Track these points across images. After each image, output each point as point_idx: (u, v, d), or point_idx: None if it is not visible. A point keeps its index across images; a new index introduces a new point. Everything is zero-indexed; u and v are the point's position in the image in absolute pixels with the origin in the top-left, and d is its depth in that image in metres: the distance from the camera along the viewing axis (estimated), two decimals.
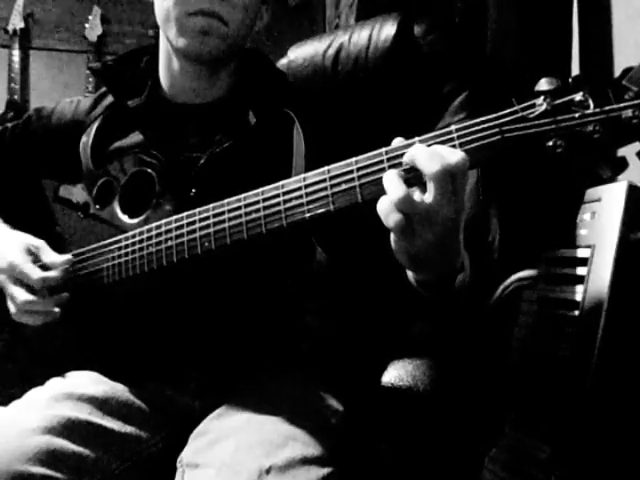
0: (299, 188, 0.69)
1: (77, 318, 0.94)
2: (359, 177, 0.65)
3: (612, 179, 0.61)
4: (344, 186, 0.66)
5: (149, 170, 0.90)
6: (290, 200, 0.69)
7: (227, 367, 0.87)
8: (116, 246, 0.87)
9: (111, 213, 0.93)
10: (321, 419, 0.81)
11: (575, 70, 1.24)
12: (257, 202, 0.72)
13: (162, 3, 0.91)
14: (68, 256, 0.91)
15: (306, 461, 0.70)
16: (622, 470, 0.77)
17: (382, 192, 0.62)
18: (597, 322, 0.77)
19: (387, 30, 1.15)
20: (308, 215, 0.68)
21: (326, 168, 0.68)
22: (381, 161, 0.64)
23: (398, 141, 0.65)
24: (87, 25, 2.92)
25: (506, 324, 0.94)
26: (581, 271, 0.82)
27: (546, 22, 1.21)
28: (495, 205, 1.04)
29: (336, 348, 0.95)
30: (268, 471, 0.67)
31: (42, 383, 0.90)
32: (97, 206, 0.95)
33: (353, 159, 0.66)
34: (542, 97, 0.58)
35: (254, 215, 0.72)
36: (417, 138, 0.64)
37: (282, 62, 1.26)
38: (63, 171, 1.03)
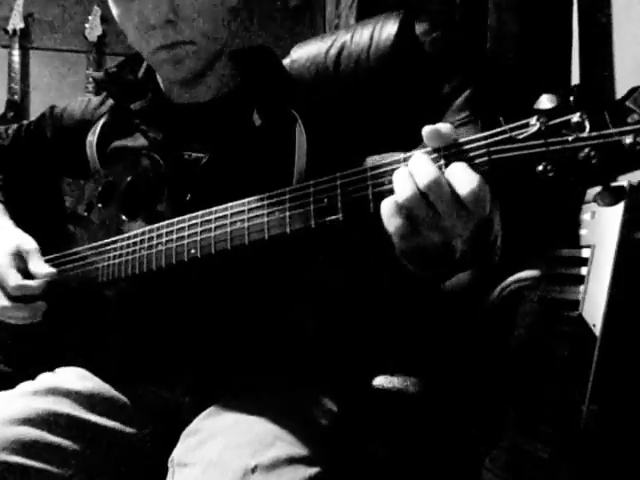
0: (283, 201, 0.67)
1: (70, 316, 0.95)
2: (342, 194, 0.62)
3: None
4: (326, 202, 0.63)
5: (150, 172, 0.90)
6: (274, 212, 0.67)
7: (218, 368, 0.87)
8: (112, 247, 0.87)
9: (112, 213, 0.93)
10: (311, 419, 0.81)
11: (575, 67, 1.24)
12: (242, 212, 0.70)
13: (131, 42, 0.92)
14: (52, 270, 0.90)
15: (293, 460, 0.69)
16: (623, 470, 0.77)
17: (364, 209, 0.60)
18: (597, 322, 0.77)
19: (388, 29, 1.15)
20: (289, 229, 0.66)
21: (311, 182, 0.66)
22: (364, 179, 0.61)
23: (378, 158, 0.63)
24: (87, 25, 2.91)
25: (505, 324, 0.94)
26: (581, 271, 0.82)
27: (546, 19, 1.21)
28: (497, 204, 1.04)
29: (330, 350, 0.95)
30: (254, 470, 0.67)
31: (34, 378, 0.91)
32: (100, 205, 0.96)
33: (338, 174, 0.64)
34: (536, 117, 0.53)
35: (239, 225, 0.70)
36: (402, 155, 0.60)
37: (285, 62, 1.26)
38: (74, 169, 1.04)
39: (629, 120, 0.49)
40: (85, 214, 0.97)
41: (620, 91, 1.15)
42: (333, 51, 1.20)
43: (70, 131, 1.06)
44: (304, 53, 1.25)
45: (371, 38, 1.16)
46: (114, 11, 0.90)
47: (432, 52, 1.12)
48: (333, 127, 0.92)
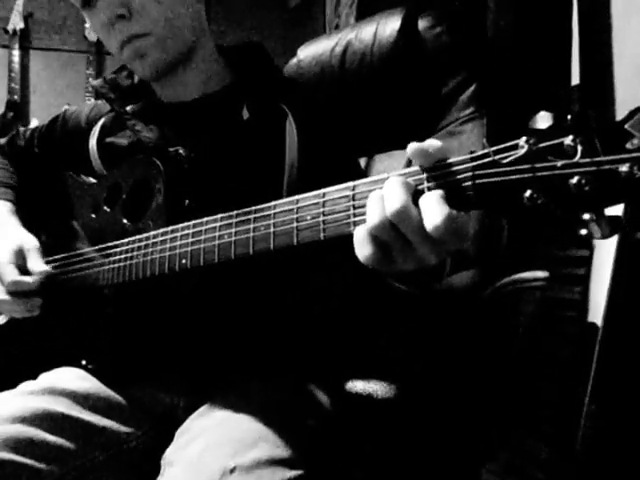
0: (269, 216, 0.66)
1: (68, 317, 0.96)
2: (324, 214, 0.61)
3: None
4: (309, 220, 0.62)
5: (148, 175, 0.91)
6: (259, 228, 0.67)
7: (212, 370, 0.88)
8: (111, 251, 0.88)
9: (115, 216, 0.93)
10: (300, 420, 0.80)
11: (575, 67, 1.24)
12: (230, 225, 0.70)
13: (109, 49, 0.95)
14: (47, 268, 0.92)
15: (272, 462, 0.69)
16: (622, 470, 0.77)
17: (345, 231, 0.58)
18: (597, 322, 0.77)
19: (391, 25, 1.15)
20: (272, 246, 0.65)
21: (295, 198, 0.64)
22: (347, 197, 0.60)
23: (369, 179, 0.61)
24: (87, 25, 2.92)
25: (502, 324, 0.94)
26: (581, 271, 0.83)
27: (546, 19, 1.21)
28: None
29: (325, 347, 0.94)
30: (232, 471, 0.66)
31: (35, 378, 0.91)
32: (105, 207, 0.96)
33: (322, 191, 0.62)
34: (525, 138, 0.48)
35: (226, 239, 0.70)
36: (386, 174, 0.58)
37: (292, 62, 1.26)
38: (82, 170, 1.06)
39: (628, 146, 0.44)
40: (93, 215, 0.98)
41: (620, 91, 1.15)
42: (338, 49, 1.20)
43: (76, 134, 1.08)
44: (310, 52, 1.25)
45: (375, 35, 1.16)
46: (90, 24, 0.92)
47: (436, 47, 1.12)
48: (332, 124, 0.91)
